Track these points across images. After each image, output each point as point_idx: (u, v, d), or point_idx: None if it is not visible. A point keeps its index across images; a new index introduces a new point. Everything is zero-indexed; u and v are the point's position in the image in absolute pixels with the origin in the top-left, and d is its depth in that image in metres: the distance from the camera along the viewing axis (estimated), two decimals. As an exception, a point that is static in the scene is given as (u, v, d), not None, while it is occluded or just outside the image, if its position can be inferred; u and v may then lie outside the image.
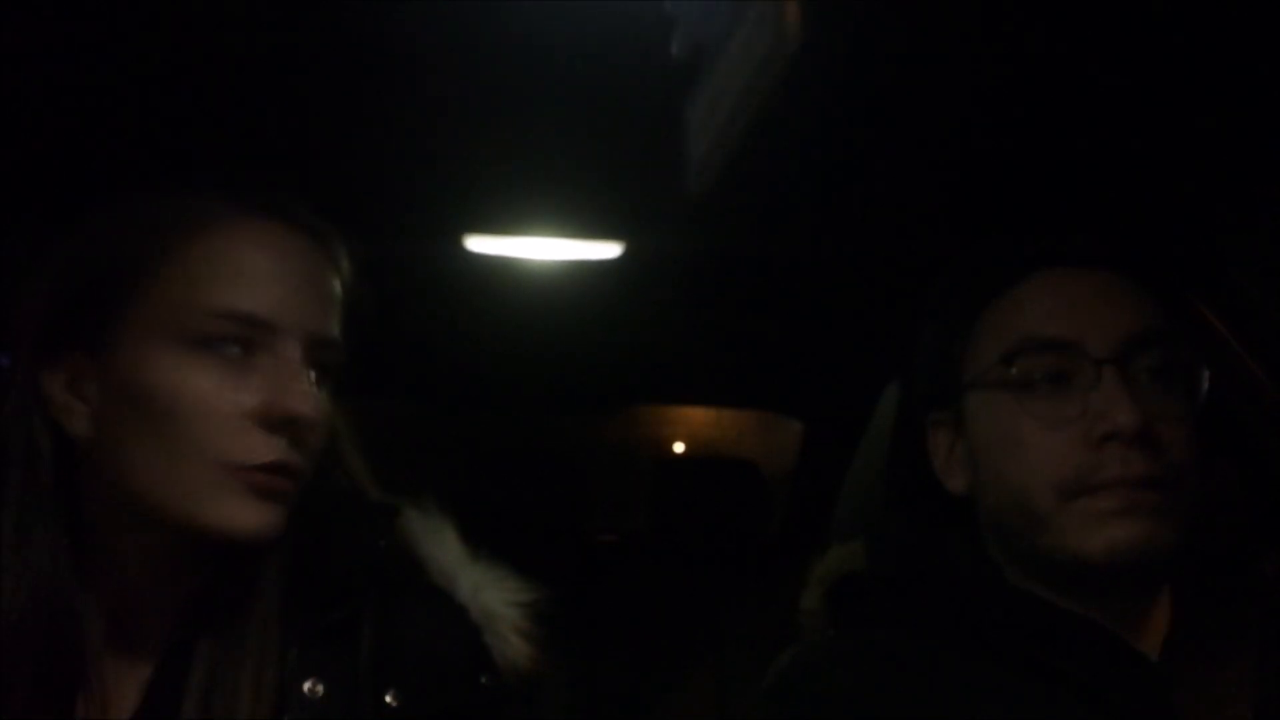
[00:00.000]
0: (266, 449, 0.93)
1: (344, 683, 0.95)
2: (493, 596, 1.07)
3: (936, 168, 1.79)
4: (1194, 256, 1.48)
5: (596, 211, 2.06)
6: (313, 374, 0.97)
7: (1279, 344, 1.43)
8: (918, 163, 1.78)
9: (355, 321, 1.03)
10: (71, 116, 1.59)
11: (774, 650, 1.23)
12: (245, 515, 0.93)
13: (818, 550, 1.23)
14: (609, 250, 2.21)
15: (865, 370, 1.74)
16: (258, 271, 0.96)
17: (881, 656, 1.03)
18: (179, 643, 0.97)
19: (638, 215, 2.04)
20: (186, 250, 0.95)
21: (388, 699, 0.96)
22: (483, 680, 1.02)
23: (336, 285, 1.01)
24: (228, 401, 0.93)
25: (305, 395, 0.94)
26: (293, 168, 1.83)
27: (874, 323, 2.30)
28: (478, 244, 2.19)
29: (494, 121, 1.71)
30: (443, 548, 1.08)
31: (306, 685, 0.94)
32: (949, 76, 1.51)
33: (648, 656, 2.69)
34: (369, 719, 0.95)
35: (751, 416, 4.84)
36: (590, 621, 2.71)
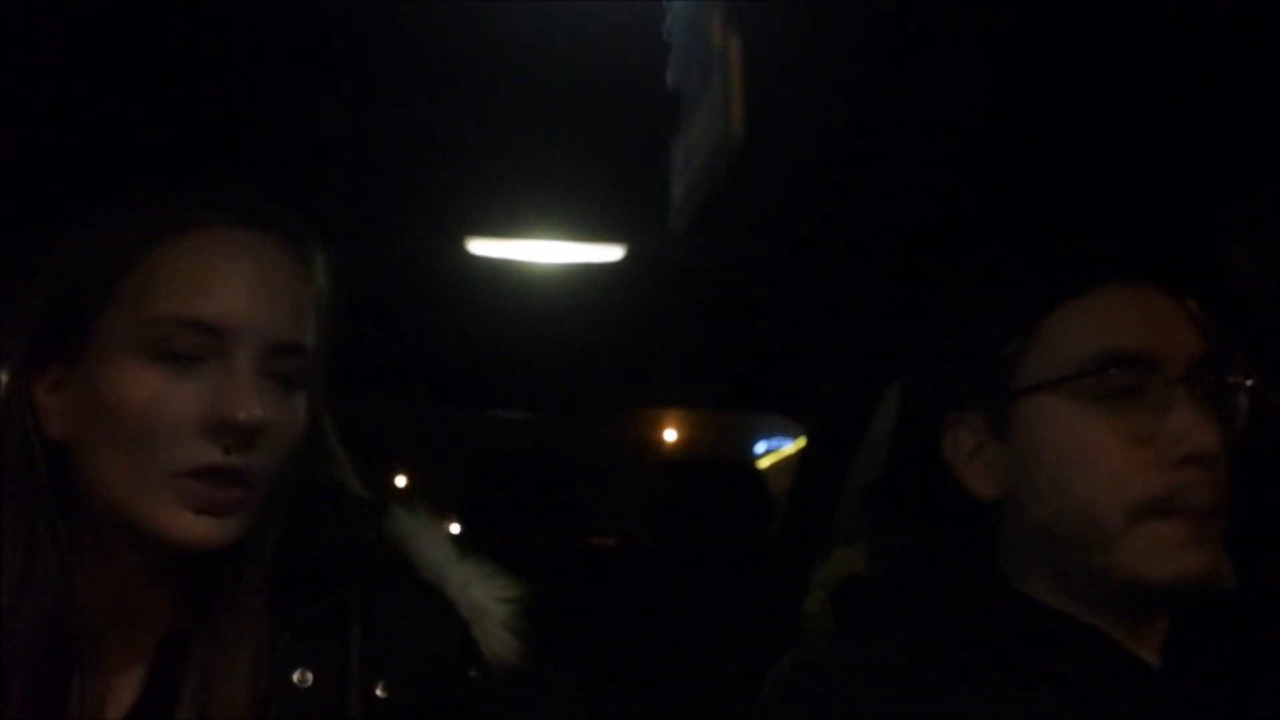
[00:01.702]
0: (201, 454, 0.93)
1: (333, 673, 0.96)
2: (481, 592, 1.07)
3: (937, 171, 1.79)
4: (1200, 265, 1.48)
5: (599, 214, 2.07)
6: (270, 379, 0.96)
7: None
8: (919, 167, 1.78)
9: (334, 322, 1.02)
10: (86, 124, 1.60)
11: (775, 654, 1.23)
12: (182, 526, 0.93)
13: (820, 553, 1.23)
14: (611, 253, 2.21)
15: (867, 372, 1.74)
16: (213, 277, 0.95)
17: (884, 661, 1.03)
18: (174, 637, 0.98)
19: (640, 218, 2.05)
20: (148, 258, 0.96)
21: (377, 691, 0.97)
22: (471, 674, 1.02)
23: (306, 289, 1.00)
24: (171, 409, 0.93)
25: (247, 401, 0.93)
26: (296, 172, 1.84)
27: (876, 325, 2.30)
28: (480, 247, 2.20)
29: (496, 125, 1.72)
30: (431, 545, 1.08)
31: (295, 675, 0.95)
32: (950, 80, 1.51)
33: (649, 659, 2.69)
34: (358, 711, 0.96)
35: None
36: (590, 625, 2.71)
